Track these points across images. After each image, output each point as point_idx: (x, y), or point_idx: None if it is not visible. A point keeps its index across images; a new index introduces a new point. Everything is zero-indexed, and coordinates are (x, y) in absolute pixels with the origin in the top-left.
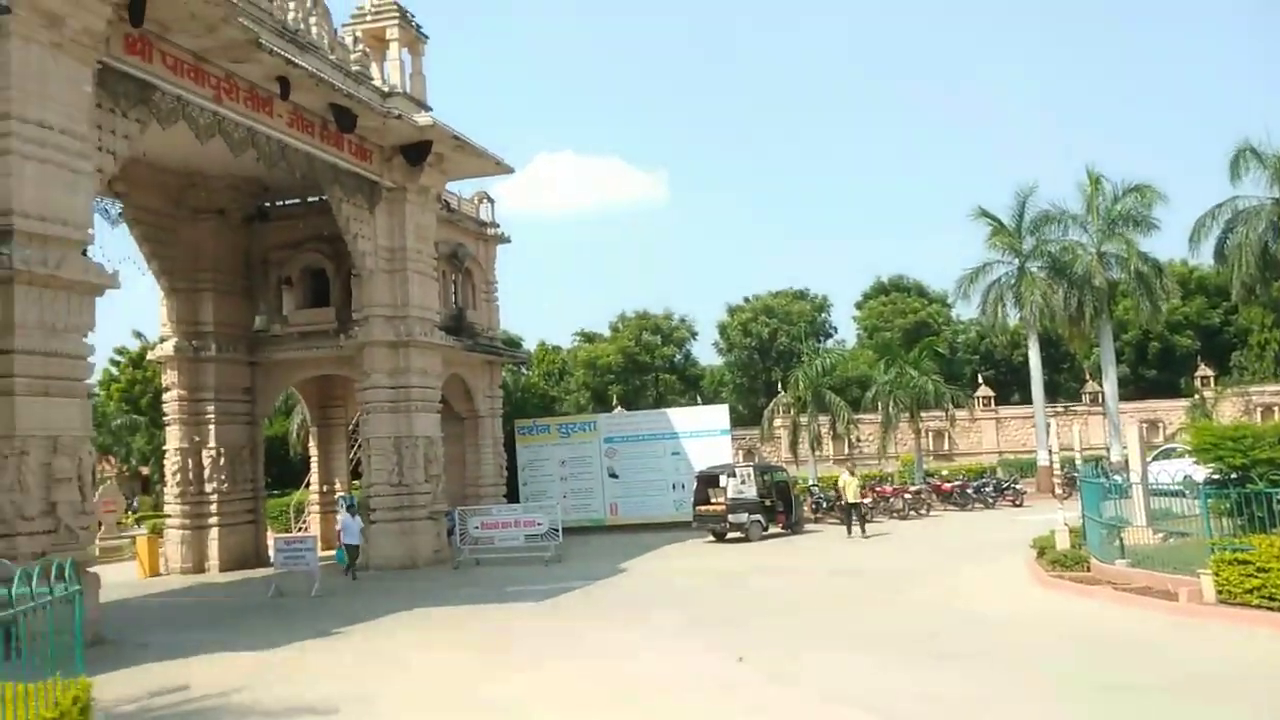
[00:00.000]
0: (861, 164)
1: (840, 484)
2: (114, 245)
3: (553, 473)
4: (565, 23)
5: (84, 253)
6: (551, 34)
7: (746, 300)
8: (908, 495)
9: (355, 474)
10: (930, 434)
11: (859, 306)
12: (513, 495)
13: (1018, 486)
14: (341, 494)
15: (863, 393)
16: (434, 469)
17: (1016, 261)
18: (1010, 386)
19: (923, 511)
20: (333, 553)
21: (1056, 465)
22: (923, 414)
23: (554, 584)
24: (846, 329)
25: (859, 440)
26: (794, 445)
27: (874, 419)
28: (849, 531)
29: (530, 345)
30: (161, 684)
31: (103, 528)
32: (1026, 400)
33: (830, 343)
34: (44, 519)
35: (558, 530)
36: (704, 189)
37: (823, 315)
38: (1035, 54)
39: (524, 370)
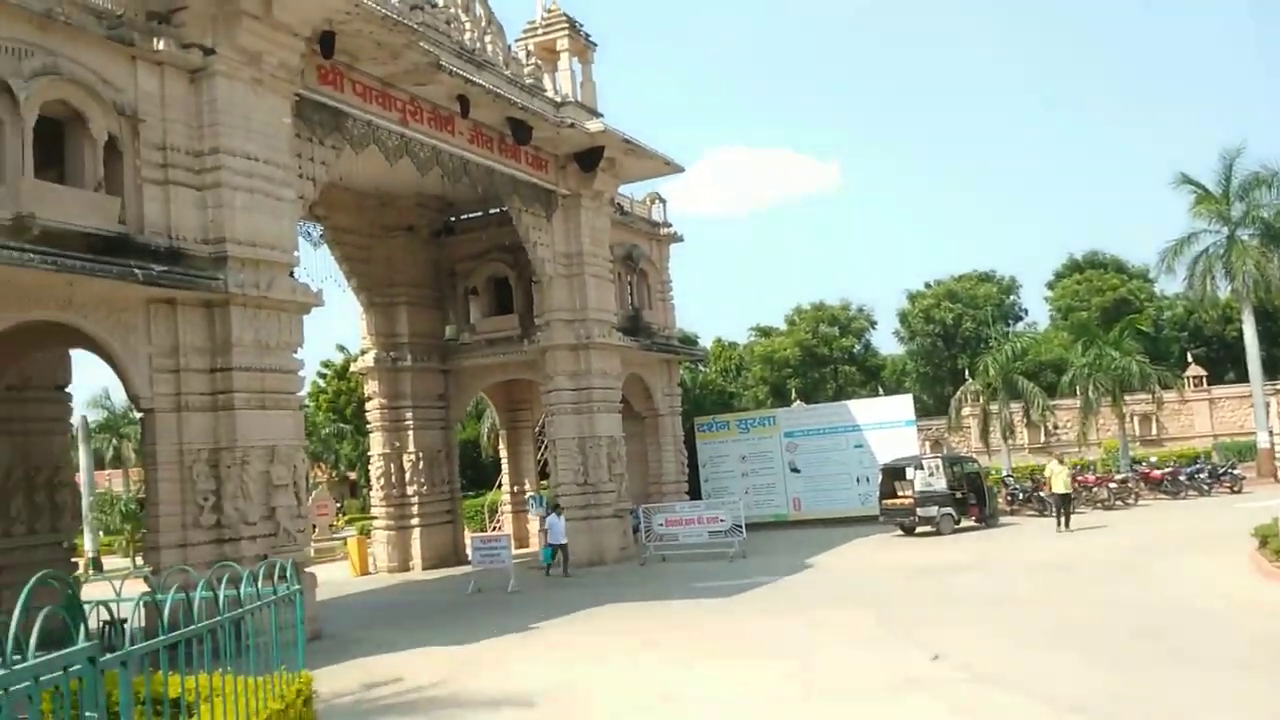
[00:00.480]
0: (1045, 138)
1: (1048, 473)
2: (316, 265)
3: (733, 469)
4: (730, 16)
5: (291, 274)
6: (717, 27)
7: (928, 286)
8: (1113, 484)
9: (543, 474)
10: (1135, 418)
11: (1050, 286)
12: (694, 492)
13: (1235, 472)
14: (531, 494)
15: (1058, 377)
16: (617, 468)
17: (1225, 230)
18: (1223, 364)
19: (1130, 501)
20: (528, 551)
21: (1279, 448)
22: (1126, 397)
23: (740, 580)
24: (1038, 310)
25: (1056, 427)
26: (984, 434)
27: (1071, 404)
28: (1059, 525)
29: (706, 342)
30: (376, 676)
31: (316, 530)
32: (1242, 378)
33: (1020, 326)
34: (265, 523)
35: (741, 526)
36: (879, 175)
37: (1011, 297)
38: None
39: (701, 367)
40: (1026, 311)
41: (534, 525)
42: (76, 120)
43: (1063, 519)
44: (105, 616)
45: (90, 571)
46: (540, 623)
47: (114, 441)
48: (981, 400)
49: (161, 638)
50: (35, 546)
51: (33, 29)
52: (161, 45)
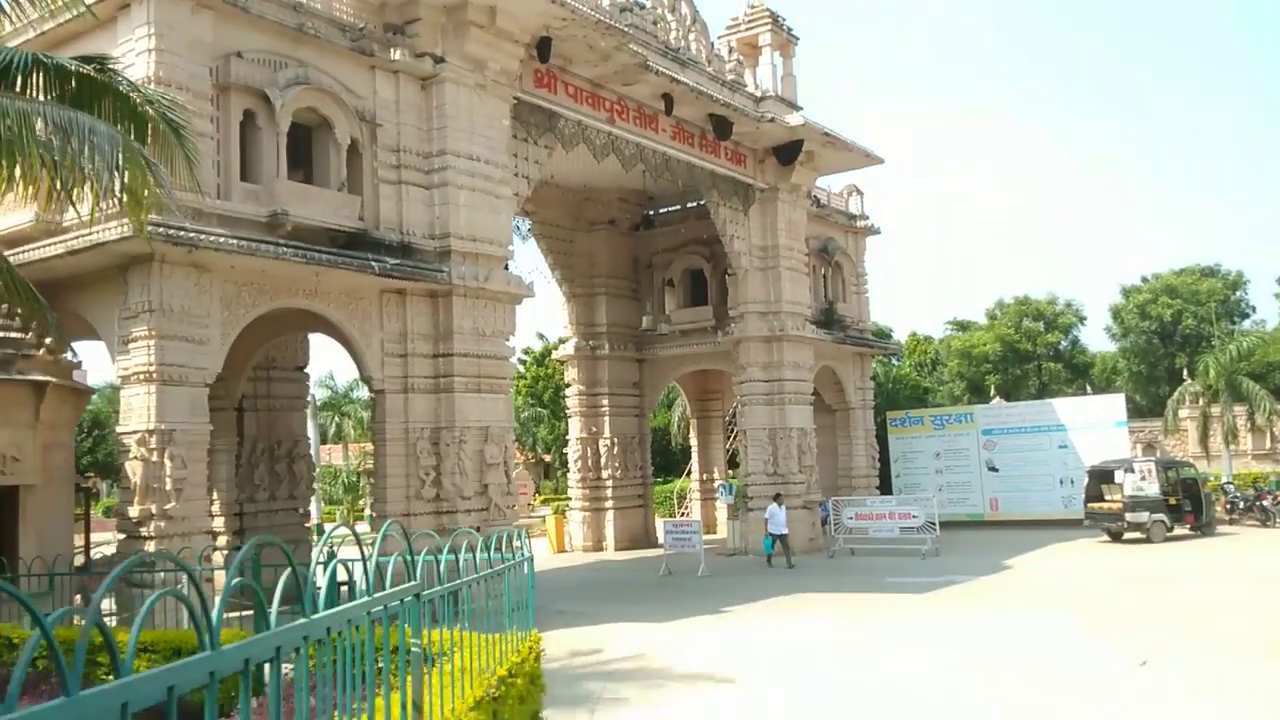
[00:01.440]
0: (1275, 123)
1: None
2: (525, 257)
3: (927, 465)
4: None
5: (506, 267)
6: (921, 11)
7: (1144, 280)
8: None
9: (732, 463)
10: None
11: None
12: (885, 487)
13: None
14: (720, 482)
15: None
16: (807, 459)
17: None
18: None
19: None
20: (716, 537)
21: None
22: None
23: (933, 577)
24: (1267, 308)
25: None
26: (1204, 439)
27: None
28: None
29: (901, 336)
30: (578, 646)
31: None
32: None
33: (1247, 324)
34: (478, 498)
35: (934, 523)
36: (1091, 163)
37: (1237, 293)
38: None
39: (895, 361)
40: (1254, 309)
41: (722, 513)
42: (323, 126)
43: None
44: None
45: (316, 536)
46: (731, 607)
47: (336, 419)
48: (1201, 402)
49: (440, 587)
50: (275, 511)
51: (287, 43)
52: (397, 55)
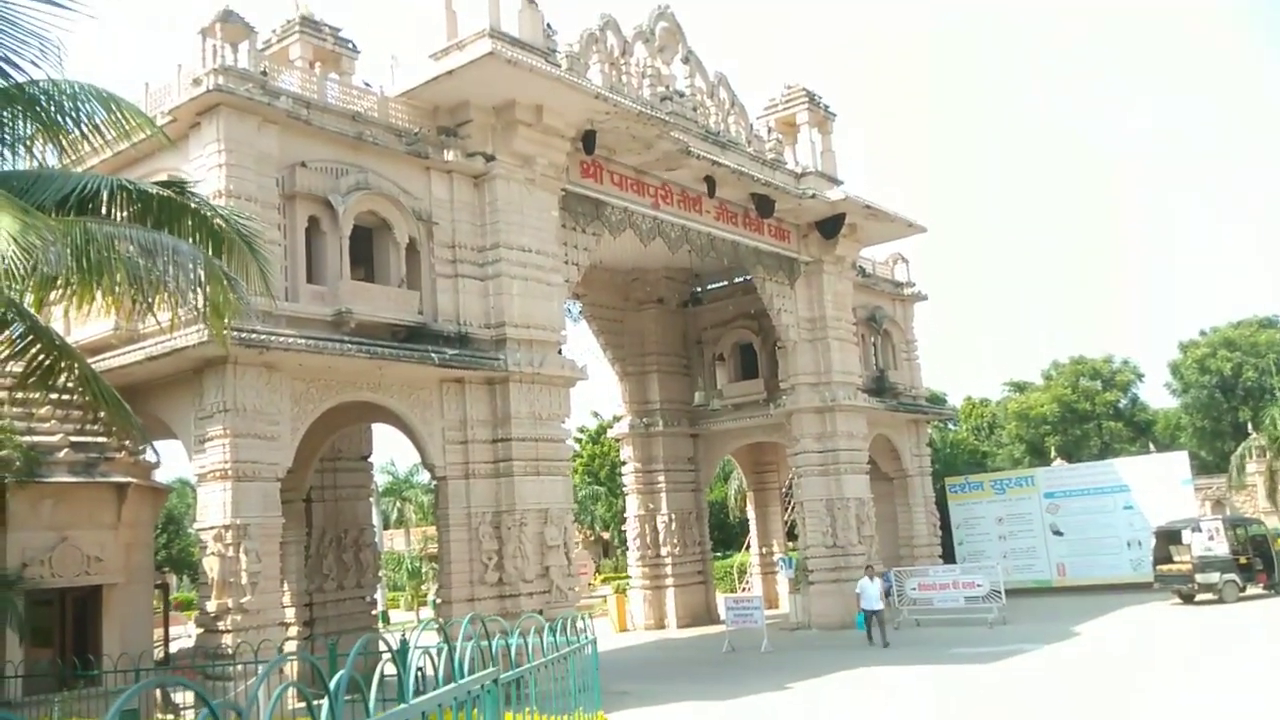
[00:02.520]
0: None
1: None
2: (576, 339)
3: (989, 531)
4: (975, 49)
5: (559, 351)
6: (963, 67)
7: (1202, 334)
8: None
9: (791, 535)
10: None
11: None
12: (948, 555)
13: None
14: (780, 555)
15: None
16: (866, 529)
17: None
18: None
19: None
20: (777, 612)
21: None
22: None
23: (1001, 646)
24: None
25: None
26: (1272, 494)
27: None
28: None
29: (956, 400)
30: None
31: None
32: None
33: None
34: (540, 580)
35: (999, 591)
36: (1146, 213)
37: None
38: None
39: (951, 426)
40: None
41: (783, 586)
42: (383, 226)
43: None
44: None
45: (382, 624)
46: (797, 682)
47: (398, 504)
48: (1268, 456)
49: (514, 671)
50: (343, 600)
51: (347, 151)
52: (450, 156)
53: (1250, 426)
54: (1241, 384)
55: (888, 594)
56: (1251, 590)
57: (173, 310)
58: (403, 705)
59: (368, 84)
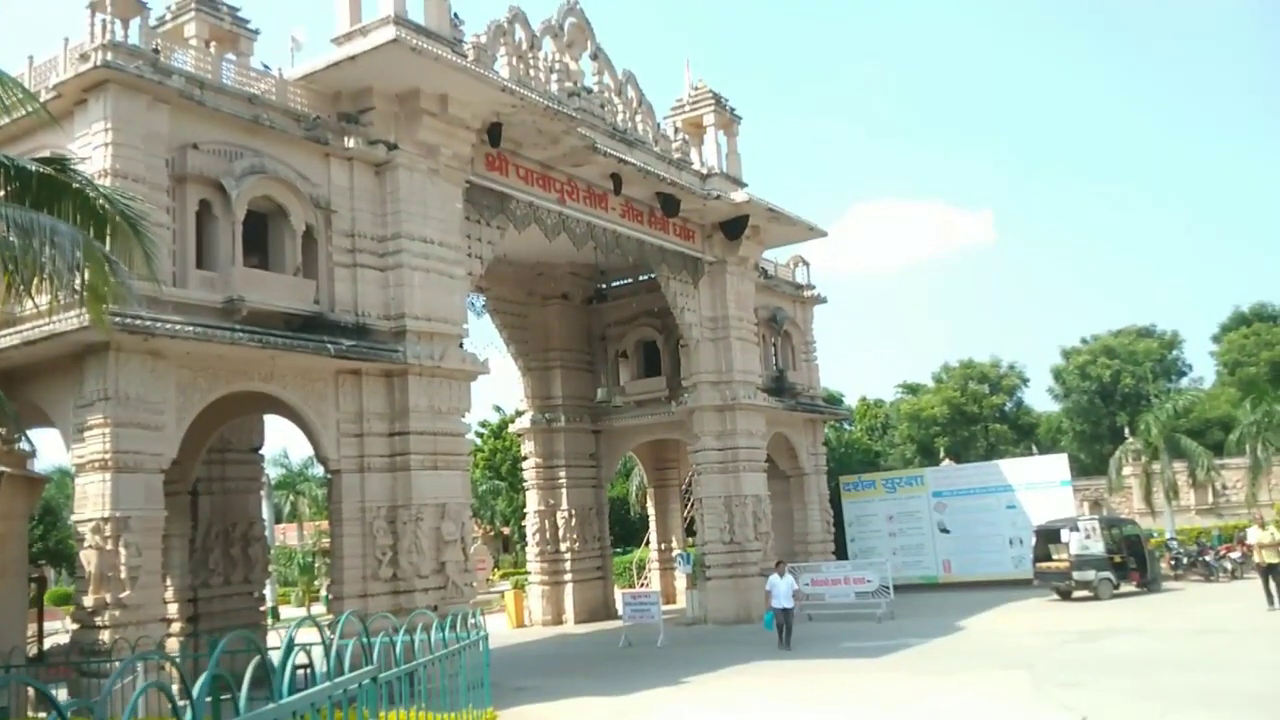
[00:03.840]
0: (1206, 185)
1: (1252, 541)
2: (479, 333)
3: (880, 529)
4: (874, 71)
5: (460, 345)
6: (860, 83)
7: (1084, 341)
8: None
9: (690, 531)
10: None
11: (1216, 340)
12: (840, 552)
13: None
14: (678, 551)
15: (1225, 435)
16: (763, 526)
17: None
18: None
19: None
20: (675, 607)
21: None
22: None
23: (889, 640)
24: (1203, 366)
25: (1224, 489)
26: (1147, 496)
27: (1240, 464)
28: (1270, 600)
29: (851, 401)
30: None
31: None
32: None
33: (1184, 382)
34: (435, 576)
35: (888, 587)
36: (1032, 226)
37: (1173, 353)
38: None
39: (846, 426)
40: (1190, 367)
41: (680, 582)
42: (279, 213)
43: (1274, 593)
44: (303, 660)
45: (271, 620)
46: (691, 677)
47: (291, 497)
48: (1143, 460)
49: (397, 669)
50: (229, 596)
51: (242, 134)
52: (351, 143)
53: (1127, 431)
54: (1120, 390)
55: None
56: (1125, 588)
57: (52, 294)
58: (271, 705)
59: (266, 66)
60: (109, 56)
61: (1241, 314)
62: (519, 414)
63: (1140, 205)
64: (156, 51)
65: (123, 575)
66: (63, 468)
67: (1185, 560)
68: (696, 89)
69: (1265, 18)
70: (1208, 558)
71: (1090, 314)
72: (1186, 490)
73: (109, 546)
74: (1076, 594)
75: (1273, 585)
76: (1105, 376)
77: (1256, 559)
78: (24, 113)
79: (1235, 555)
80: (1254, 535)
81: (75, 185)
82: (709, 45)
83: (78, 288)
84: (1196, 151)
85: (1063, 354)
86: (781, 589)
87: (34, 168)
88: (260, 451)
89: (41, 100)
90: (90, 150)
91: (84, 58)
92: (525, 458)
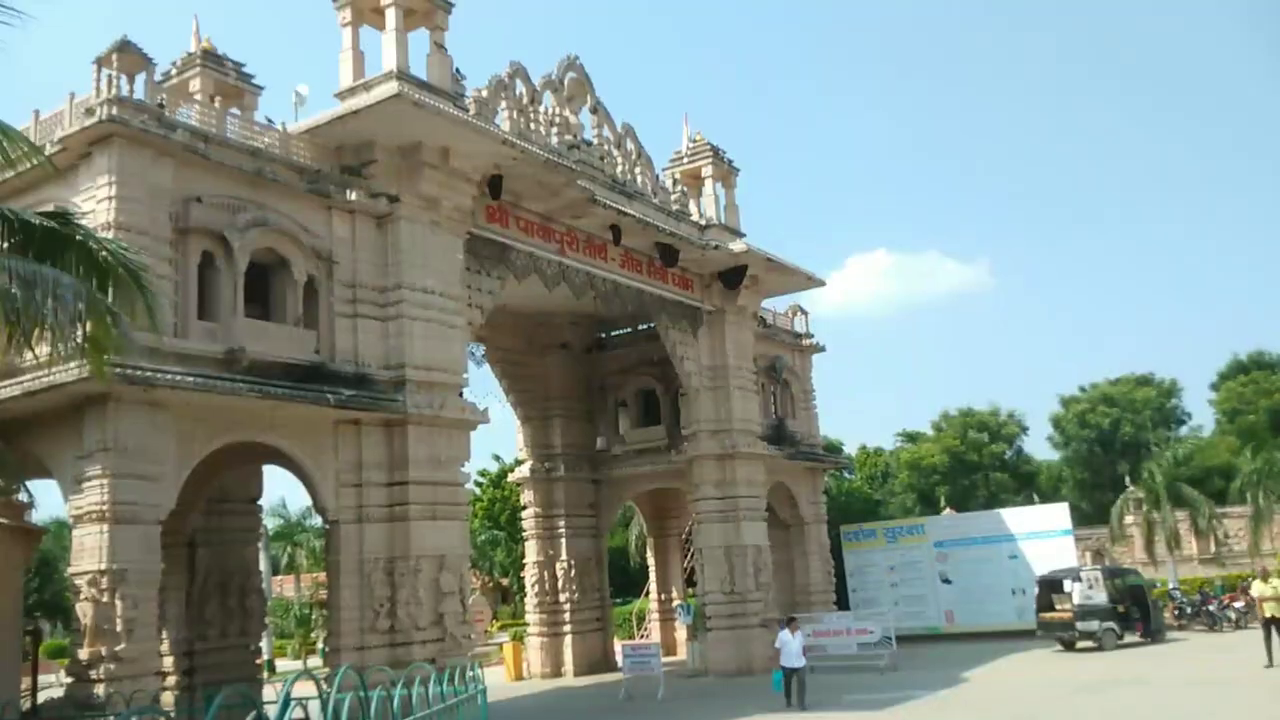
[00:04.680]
0: (1204, 234)
1: (1255, 594)
2: (479, 383)
3: (881, 579)
4: (870, 122)
5: (460, 394)
6: (858, 135)
7: (1082, 389)
8: None
9: (690, 582)
10: None
11: (1215, 388)
12: (842, 602)
13: None
14: (679, 602)
15: (1226, 484)
16: (763, 577)
17: None
18: None
19: None
20: (675, 659)
21: None
22: None
23: (892, 693)
24: (1202, 414)
25: (1226, 537)
26: (1149, 545)
27: (1242, 512)
28: (1270, 658)
29: (851, 449)
30: None
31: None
32: None
33: (1184, 430)
34: (433, 628)
35: (891, 638)
36: (1029, 276)
37: (1172, 400)
38: None
39: (846, 475)
40: (1190, 415)
41: (681, 634)
42: (280, 264)
43: (1273, 648)
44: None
45: (267, 673)
46: None
47: (288, 548)
48: (1145, 508)
49: None
50: (225, 649)
51: (246, 186)
52: (353, 196)
53: (1128, 480)
54: (1120, 438)
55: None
56: (1129, 638)
57: (53, 345)
58: None
59: (270, 120)
60: (114, 111)
61: (1239, 362)
62: (518, 463)
63: (1136, 253)
64: (161, 106)
65: (119, 628)
66: (60, 519)
67: (1189, 610)
68: (694, 141)
69: (1256, 66)
70: (1211, 607)
71: (1088, 362)
72: (1189, 539)
73: (105, 599)
74: (1080, 644)
75: (1274, 640)
76: (1105, 424)
77: (1260, 613)
78: (29, 166)
79: (1239, 605)
80: (1257, 589)
81: (78, 238)
82: (707, 96)
83: (79, 339)
84: (1192, 200)
85: (1062, 402)
86: (793, 647)
87: (38, 221)
88: (258, 502)
89: (47, 154)
90: (94, 203)
91: (89, 112)
92: (524, 507)
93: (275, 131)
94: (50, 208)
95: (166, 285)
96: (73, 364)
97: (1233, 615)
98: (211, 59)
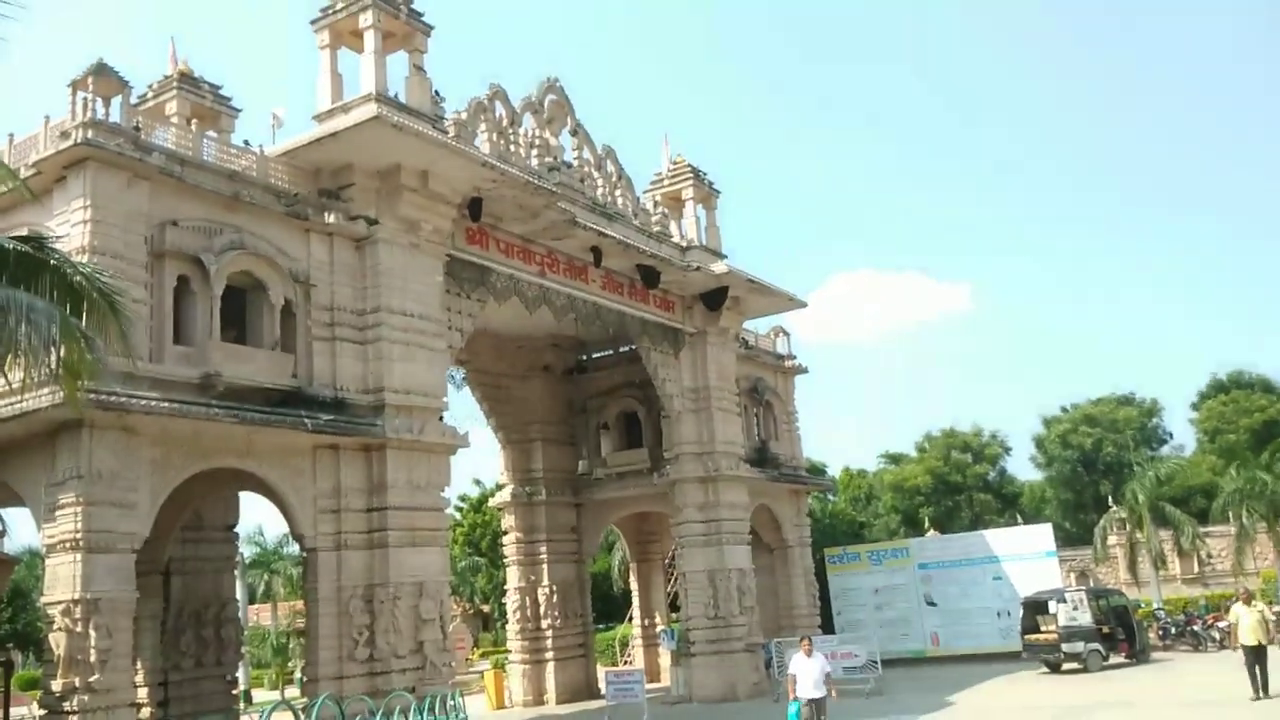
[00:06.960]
0: (1182, 255)
1: (1232, 618)
2: (459, 406)
3: (866, 601)
4: (851, 144)
5: (440, 418)
6: (839, 157)
7: (1064, 410)
8: (1272, 617)
9: (674, 606)
10: None
11: (1195, 408)
12: (826, 625)
13: None
14: (662, 627)
15: (1208, 503)
16: (747, 600)
17: None
18: None
19: None
20: (659, 685)
21: None
22: None
23: (879, 718)
24: (1183, 433)
25: (1209, 557)
26: (1132, 565)
27: (1225, 531)
28: (1256, 690)
29: (834, 471)
30: None
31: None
32: None
33: (1165, 449)
34: (413, 656)
35: (876, 662)
36: (1011, 297)
37: (1154, 420)
38: None
39: (830, 497)
40: (1171, 435)
41: (665, 659)
42: (257, 288)
43: (1260, 680)
44: None
45: (243, 704)
46: None
47: (265, 576)
48: (1128, 528)
49: None
50: (201, 679)
51: (222, 210)
52: (331, 218)
53: (1111, 500)
54: (1102, 458)
55: (768, 665)
56: (1115, 659)
57: (26, 370)
58: None
59: (247, 143)
60: (89, 134)
61: (1219, 381)
62: (499, 487)
63: (1116, 274)
64: (137, 129)
65: (93, 659)
66: (33, 548)
67: (1173, 630)
68: (675, 163)
69: (1239, 89)
70: (1195, 627)
71: (1069, 382)
72: (1172, 559)
73: (79, 629)
74: (1066, 666)
75: (1259, 671)
76: (1087, 445)
77: (1235, 639)
78: (3, 190)
79: (1223, 624)
80: (1237, 614)
81: (53, 262)
82: (688, 117)
83: (53, 365)
84: (1170, 221)
85: (1044, 422)
86: (812, 673)
87: (11, 245)
88: (234, 529)
89: (21, 177)
90: (69, 227)
91: (64, 135)
92: (505, 532)
93: (253, 154)
94: (24, 232)
95: (142, 310)
96: (46, 390)
97: (1216, 635)
98: (188, 81)
